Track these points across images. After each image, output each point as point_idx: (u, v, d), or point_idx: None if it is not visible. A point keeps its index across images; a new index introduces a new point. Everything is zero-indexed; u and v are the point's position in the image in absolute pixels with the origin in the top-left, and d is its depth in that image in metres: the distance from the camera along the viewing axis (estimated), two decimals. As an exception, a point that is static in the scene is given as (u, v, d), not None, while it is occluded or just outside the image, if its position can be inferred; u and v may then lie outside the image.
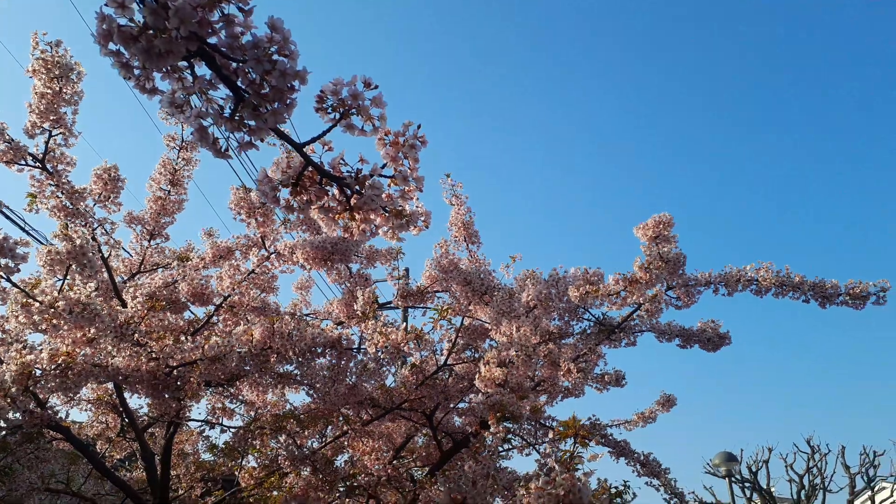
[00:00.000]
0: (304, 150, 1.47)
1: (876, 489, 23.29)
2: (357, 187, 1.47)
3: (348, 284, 5.04)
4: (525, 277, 4.66)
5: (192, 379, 4.02)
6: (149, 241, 5.39)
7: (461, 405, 6.22)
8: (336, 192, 1.51)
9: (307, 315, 6.40)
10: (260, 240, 4.75)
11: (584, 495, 2.79)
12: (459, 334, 5.74)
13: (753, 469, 23.67)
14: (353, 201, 1.50)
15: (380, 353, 3.80)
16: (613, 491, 4.88)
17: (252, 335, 3.88)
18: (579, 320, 5.57)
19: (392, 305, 5.74)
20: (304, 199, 1.50)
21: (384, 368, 6.15)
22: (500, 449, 3.72)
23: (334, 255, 4.43)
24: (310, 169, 1.49)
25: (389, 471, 5.57)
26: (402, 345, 3.64)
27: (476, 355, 5.65)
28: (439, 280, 5.52)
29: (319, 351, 3.96)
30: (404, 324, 3.73)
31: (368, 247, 5.25)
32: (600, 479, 4.59)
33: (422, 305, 5.72)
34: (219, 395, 5.77)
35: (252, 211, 4.49)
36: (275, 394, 6.60)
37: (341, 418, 5.84)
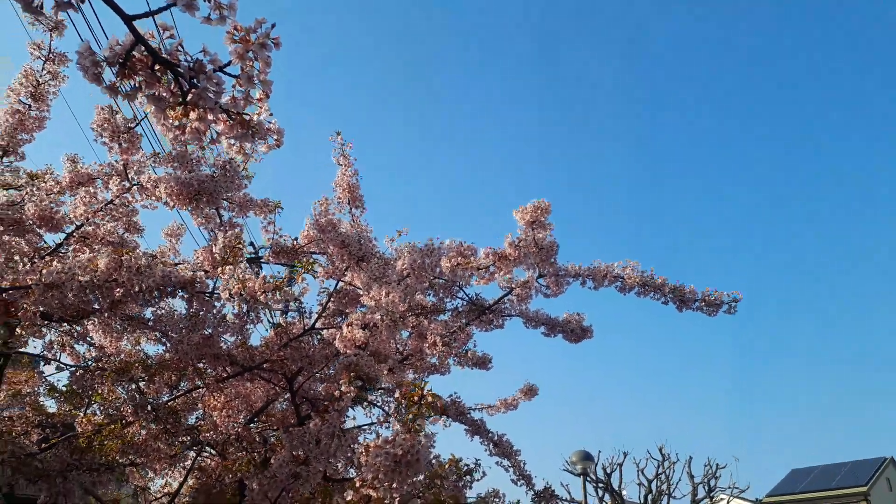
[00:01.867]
0: (139, 30, 1.31)
1: (714, 499, 25.22)
2: (193, 79, 1.33)
3: (216, 231, 4.78)
4: (403, 248, 4.60)
5: (25, 305, 3.67)
6: (0, 158, 4.89)
7: (328, 372, 6.10)
8: (172, 83, 1.37)
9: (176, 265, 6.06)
10: (122, 167, 4.39)
11: (422, 456, 2.76)
12: (332, 299, 5.62)
13: (608, 471, 25.01)
14: (189, 96, 1.36)
15: (234, 302, 3.59)
16: (464, 468, 4.91)
17: (97, 265, 3.58)
18: (453, 298, 5.59)
19: (263, 261, 5.51)
20: (133, 83, 1.35)
21: (248, 326, 5.95)
22: (350, 410, 3.64)
23: (202, 194, 4.17)
24: (144, 52, 1.34)
25: (240, 430, 5.37)
26: (260, 294, 3.46)
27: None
28: (316, 240, 5.36)
29: (170, 291, 3.71)
30: (263, 273, 3.56)
31: (243, 195, 5.00)
32: (452, 456, 4.63)
33: (294, 263, 5.54)
34: (63, 335, 5.34)
35: (116, 134, 4.14)
36: (130, 342, 6.21)
37: (195, 373, 5.56)
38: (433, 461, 5.23)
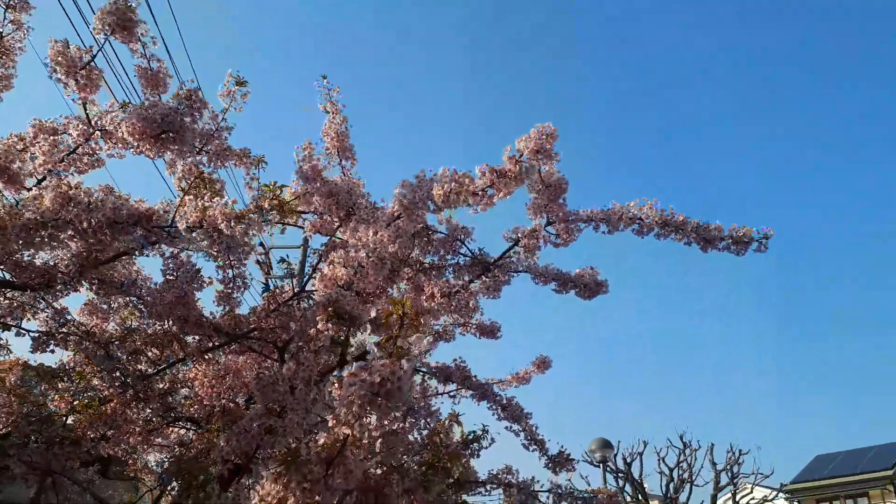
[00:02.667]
0: None
1: (738, 486, 24.51)
2: None
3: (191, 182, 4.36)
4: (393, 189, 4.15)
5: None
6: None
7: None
8: None
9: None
10: (81, 106, 3.98)
11: (403, 384, 2.30)
12: (322, 259, 5.18)
13: (628, 460, 24.37)
14: None
15: (194, 237, 3.15)
16: (471, 435, 4.43)
17: (43, 202, 3.18)
18: (455, 254, 5.13)
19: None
20: None
21: (236, 294, 5.52)
22: (334, 350, 3.18)
23: (167, 132, 3.75)
24: None
25: (226, 402, 4.94)
26: (222, 223, 3.02)
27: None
28: (304, 196, 4.92)
29: (124, 227, 3.28)
30: (227, 199, 3.12)
31: (218, 143, 4.58)
32: (453, 411, 4.17)
33: (283, 222, 5.10)
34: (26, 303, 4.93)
35: (72, 69, 3.74)
36: (117, 322, 5.82)
37: (178, 344, 5.14)
38: (431, 420, 4.76)
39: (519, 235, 4.83)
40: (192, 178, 3.42)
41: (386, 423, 2.37)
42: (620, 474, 24.06)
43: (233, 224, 2.98)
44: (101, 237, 3.19)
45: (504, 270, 5.06)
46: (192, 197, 3.06)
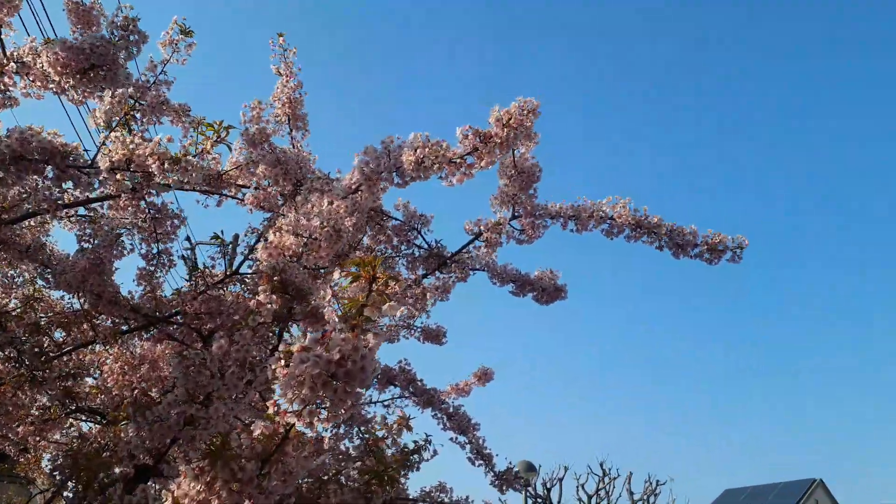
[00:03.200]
0: None
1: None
2: None
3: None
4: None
5: None
6: None
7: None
8: None
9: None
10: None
11: (367, 364, 1.86)
12: (262, 238, 4.66)
13: (548, 486, 24.26)
14: None
15: (117, 177, 2.62)
16: (411, 446, 3.99)
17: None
18: (409, 244, 4.71)
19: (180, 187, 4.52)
20: None
21: (159, 274, 4.93)
22: (273, 330, 2.70)
23: (96, 67, 3.20)
24: None
25: (138, 393, 4.33)
26: (153, 164, 2.51)
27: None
28: (246, 166, 4.40)
29: (32, 164, 2.71)
30: (157, 136, 2.59)
31: (155, 94, 4.03)
32: (403, 413, 3.73)
33: (221, 193, 4.57)
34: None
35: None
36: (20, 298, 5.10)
37: (87, 322, 4.52)
38: (365, 428, 4.29)
39: (481, 228, 4.47)
40: (122, 114, 2.88)
41: (342, 412, 1.93)
42: (539, 500, 23.94)
43: (166, 166, 2.48)
44: (2, 175, 2.62)
45: (462, 266, 4.68)
46: (118, 134, 2.54)
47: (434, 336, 5.83)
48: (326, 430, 3.76)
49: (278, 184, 4.15)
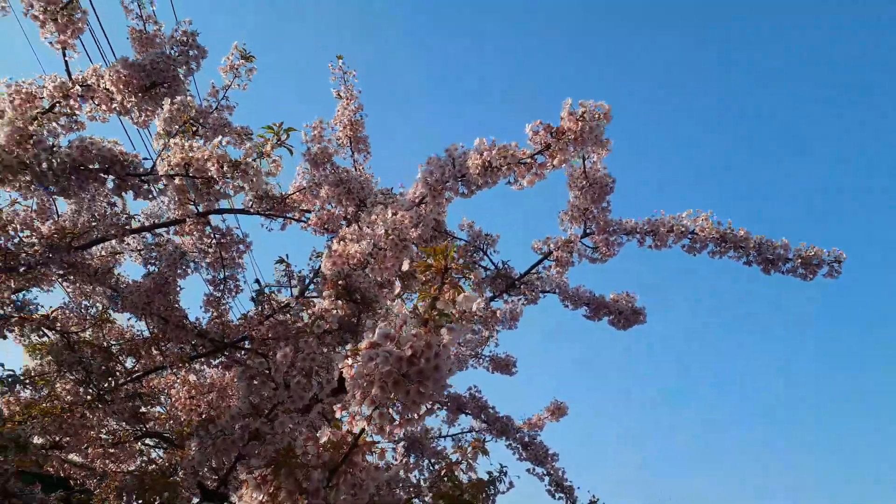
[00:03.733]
0: None
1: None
2: None
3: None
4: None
5: None
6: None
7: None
8: None
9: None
10: (60, 52, 3.42)
11: (441, 363, 1.69)
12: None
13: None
14: None
15: (175, 183, 2.55)
16: (486, 478, 3.75)
17: None
18: (476, 265, 4.55)
19: (241, 209, 4.52)
20: None
21: (226, 300, 4.91)
22: (340, 338, 2.56)
23: (158, 84, 3.21)
24: None
25: (205, 417, 4.26)
26: (212, 168, 2.42)
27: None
28: (309, 189, 4.37)
29: (91, 171, 2.68)
30: (221, 139, 2.52)
31: (217, 115, 4.05)
32: (477, 437, 3.50)
33: (282, 215, 4.54)
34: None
35: (51, 4, 3.21)
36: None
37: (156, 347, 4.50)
38: (436, 461, 4.05)
39: (551, 247, 4.28)
40: (183, 121, 2.85)
41: (415, 417, 1.76)
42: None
43: (226, 170, 2.41)
44: (63, 184, 2.61)
45: (531, 288, 4.47)
46: (178, 142, 2.49)
47: (504, 366, 5.60)
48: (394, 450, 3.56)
49: (341, 204, 4.08)
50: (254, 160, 2.49)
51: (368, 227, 2.91)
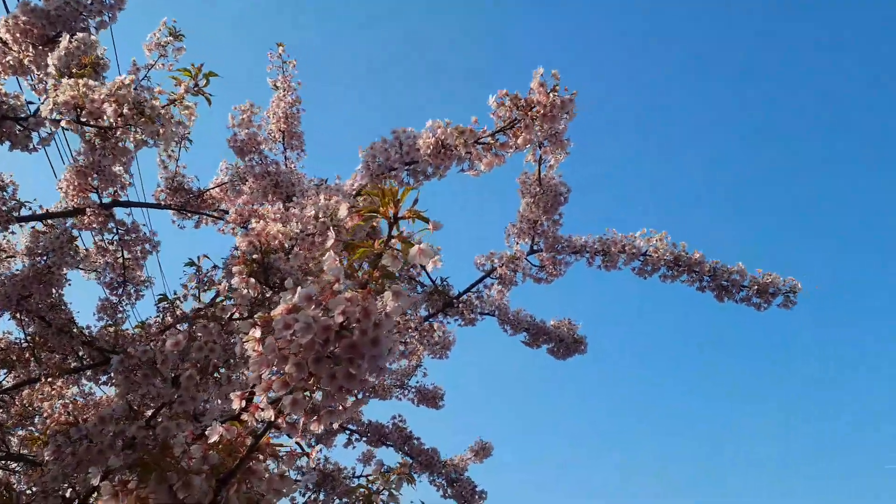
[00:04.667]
0: None
1: None
2: None
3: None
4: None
5: None
6: None
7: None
8: None
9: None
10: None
11: (380, 336, 1.28)
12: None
13: None
14: None
15: (62, 121, 2.05)
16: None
17: None
18: (411, 281, 4.15)
19: (151, 203, 3.99)
20: None
21: (125, 304, 4.31)
22: (241, 312, 2.09)
23: (57, 27, 2.72)
24: None
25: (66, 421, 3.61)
26: (111, 111, 1.95)
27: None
28: (231, 185, 3.90)
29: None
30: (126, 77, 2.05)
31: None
32: (404, 461, 3.02)
33: (200, 212, 4.04)
34: None
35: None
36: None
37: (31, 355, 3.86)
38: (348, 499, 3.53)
39: (495, 262, 3.94)
40: (83, 64, 2.34)
41: (340, 408, 1.33)
42: None
43: (126, 114, 1.94)
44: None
45: (470, 308, 4.10)
46: (70, 81, 2.02)
47: (430, 398, 5.18)
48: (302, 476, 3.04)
49: (267, 199, 3.63)
50: (163, 106, 2.04)
51: (296, 208, 2.49)
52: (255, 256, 2.05)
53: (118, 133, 2.03)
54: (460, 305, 4.04)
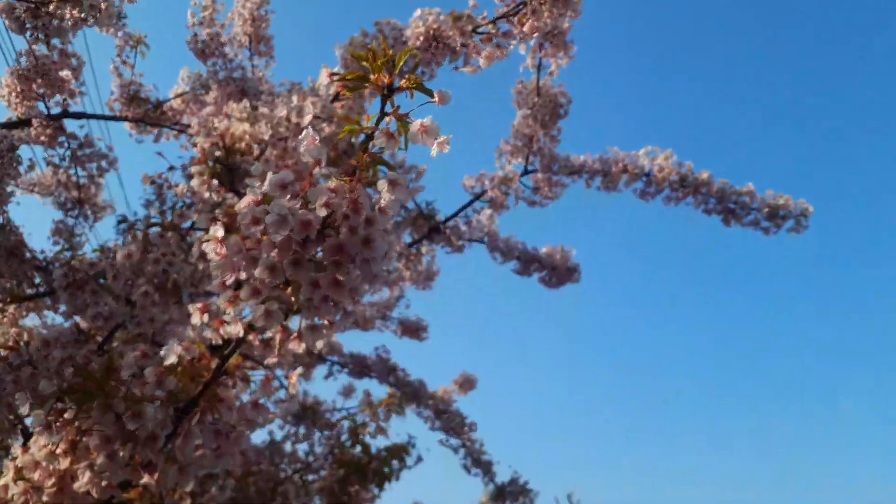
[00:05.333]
0: None
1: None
2: None
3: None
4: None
5: None
6: None
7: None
8: None
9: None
10: None
11: (374, 233, 1.02)
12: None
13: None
14: None
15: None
16: (392, 445, 3.09)
17: None
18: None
19: (106, 115, 3.62)
20: None
21: (80, 226, 3.99)
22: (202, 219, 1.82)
23: None
24: None
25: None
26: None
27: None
28: (193, 92, 3.54)
29: None
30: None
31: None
32: (393, 392, 2.83)
33: (160, 124, 3.68)
34: None
35: None
36: None
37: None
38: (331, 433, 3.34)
39: (486, 184, 3.66)
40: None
41: (324, 324, 1.08)
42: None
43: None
44: None
45: (457, 234, 3.84)
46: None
47: (413, 330, 4.97)
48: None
49: (228, 101, 3.29)
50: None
51: (265, 108, 2.18)
52: (217, 154, 1.77)
53: (51, 8, 1.69)
54: (447, 231, 3.78)
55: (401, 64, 1.12)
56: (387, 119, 1.11)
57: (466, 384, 5.77)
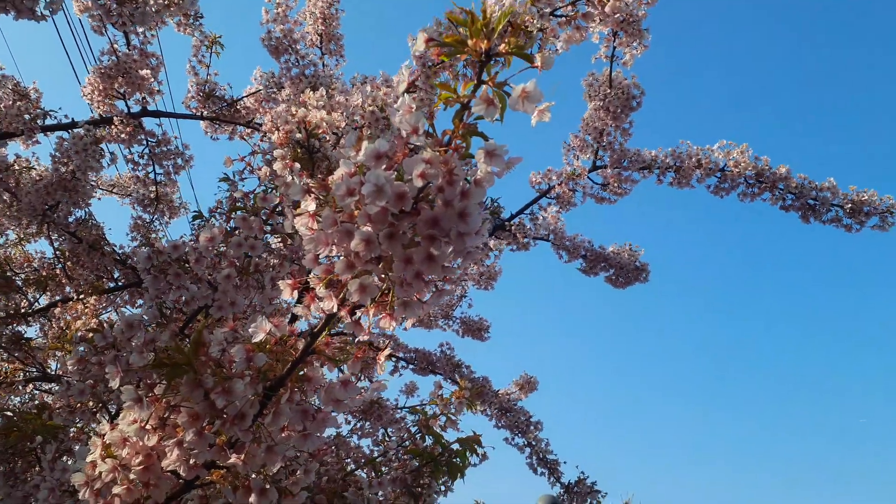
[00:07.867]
0: None
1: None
2: None
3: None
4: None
5: None
6: None
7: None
8: None
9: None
10: None
11: (472, 206, 0.98)
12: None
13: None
14: None
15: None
16: (465, 437, 3.02)
17: None
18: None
19: (183, 113, 3.71)
20: None
21: (159, 222, 4.11)
22: (286, 203, 1.82)
23: None
24: None
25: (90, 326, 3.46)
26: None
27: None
28: (266, 91, 3.60)
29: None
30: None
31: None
32: (463, 384, 2.79)
33: (234, 121, 3.75)
34: None
35: None
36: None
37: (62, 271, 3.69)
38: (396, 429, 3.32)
39: (553, 180, 3.60)
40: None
41: (421, 299, 1.04)
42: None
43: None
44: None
45: (523, 231, 3.79)
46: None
47: (475, 329, 4.93)
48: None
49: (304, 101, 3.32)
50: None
51: (341, 97, 2.18)
52: (298, 137, 1.76)
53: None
54: (512, 228, 3.72)
55: (499, 28, 1.08)
56: (483, 88, 1.07)
57: (527, 386, 5.68)
